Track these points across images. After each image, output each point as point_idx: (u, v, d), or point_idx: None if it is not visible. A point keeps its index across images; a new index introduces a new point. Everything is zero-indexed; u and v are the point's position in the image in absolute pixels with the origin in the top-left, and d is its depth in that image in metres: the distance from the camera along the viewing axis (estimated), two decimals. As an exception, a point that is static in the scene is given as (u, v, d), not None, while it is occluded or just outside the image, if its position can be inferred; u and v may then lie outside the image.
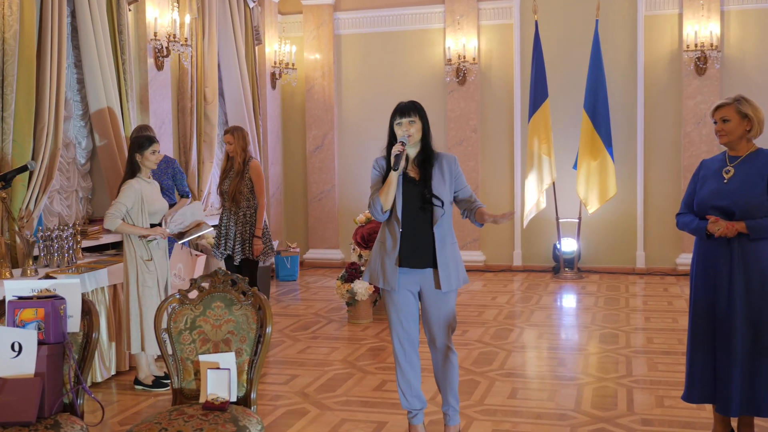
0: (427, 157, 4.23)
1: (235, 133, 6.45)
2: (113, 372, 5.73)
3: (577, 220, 10.03)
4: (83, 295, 3.31)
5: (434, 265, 4.17)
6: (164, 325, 3.37)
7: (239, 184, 6.37)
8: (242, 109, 9.71)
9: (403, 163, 4.09)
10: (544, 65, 9.79)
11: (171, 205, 6.41)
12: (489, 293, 8.95)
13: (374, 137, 10.98)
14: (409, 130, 4.14)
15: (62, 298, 3.22)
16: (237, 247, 6.35)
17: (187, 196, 6.71)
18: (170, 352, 3.37)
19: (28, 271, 5.15)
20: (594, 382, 5.44)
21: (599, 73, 9.63)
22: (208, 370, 3.27)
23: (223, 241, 6.48)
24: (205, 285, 3.42)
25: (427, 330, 4.29)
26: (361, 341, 6.72)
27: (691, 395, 4.18)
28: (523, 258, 10.62)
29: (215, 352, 3.36)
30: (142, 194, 5.23)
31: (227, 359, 3.32)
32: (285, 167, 11.28)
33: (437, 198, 4.15)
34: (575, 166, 9.81)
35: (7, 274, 5.07)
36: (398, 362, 4.28)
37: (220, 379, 3.27)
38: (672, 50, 10.00)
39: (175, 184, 6.53)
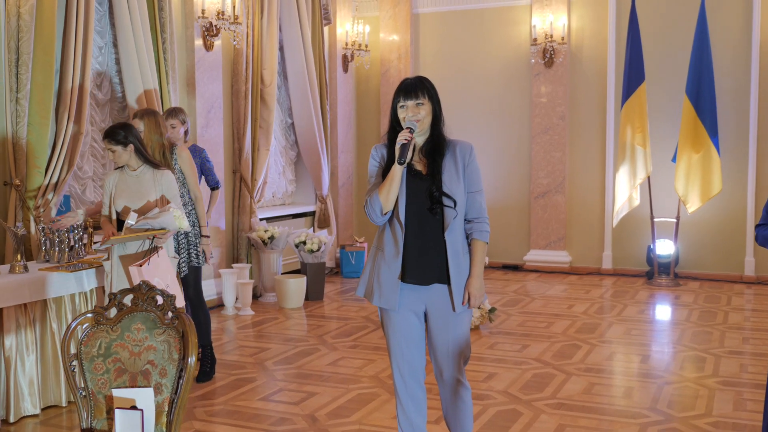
0: (437, 145, 3.40)
1: (146, 118, 5.06)
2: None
3: (675, 220, 8.87)
4: None
5: (443, 280, 3.36)
6: (73, 350, 2.72)
7: None
8: (306, 93, 9.08)
9: (410, 155, 3.29)
10: (641, 44, 8.67)
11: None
12: (566, 300, 7.98)
13: (453, 124, 10.05)
14: (416, 115, 3.33)
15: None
16: (183, 255, 5.21)
17: (217, 188, 6.11)
18: (80, 384, 2.71)
19: (16, 268, 4.66)
20: (663, 422, 4.49)
21: (705, 53, 8.44)
22: (117, 411, 2.60)
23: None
24: (127, 302, 2.75)
25: (433, 359, 3.49)
26: (404, 353, 5.96)
27: None
28: (614, 261, 9.54)
29: (132, 386, 2.69)
30: (113, 187, 4.67)
31: (145, 397, 2.65)
32: (358, 155, 10.58)
33: (449, 197, 3.33)
34: (674, 159, 8.66)
35: (-8, 270, 4.59)
36: (398, 396, 3.49)
37: (132, 423, 2.60)
38: (793, 26, 8.67)
39: (203, 174, 5.94)
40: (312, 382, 5.28)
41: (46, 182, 5.75)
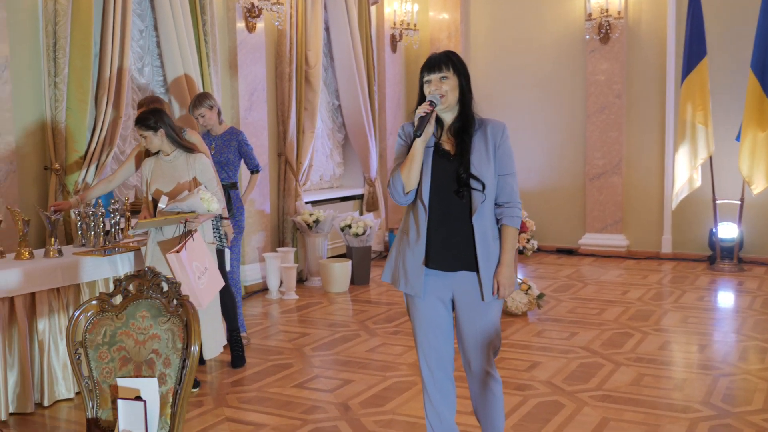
0: (465, 124, 3.20)
1: (151, 107, 4.80)
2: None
3: (739, 202, 8.44)
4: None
5: (470, 267, 3.17)
6: (79, 337, 2.62)
7: None
8: (353, 74, 8.92)
9: (431, 129, 3.09)
10: (702, 16, 8.24)
11: (231, 184, 5.72)
12: (621, 286, 7.66)
13: (505, 104, 9.87)
14: (440, 89, 3.13)
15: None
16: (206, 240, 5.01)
17: (258, 172, 6.00)
18: (85, 373, 2.62)
19: (50, 252, 4.63)
20: (716, 418, 4.21)
21: (771, 24, 7.97)
22: (119, 401, 2.50)
23: None
24: (132, 288, 2.64)
25: (461, 350, 3.30)
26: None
27: None
28: (674, 244, 9.15)
29: (137, 376, 2.58)
30: (149, 173, 4.63)
31: (149, 387, 2.54)
32: (408, 138, 10.37)
33: (477, 179, 3.12)
34: (738, 138, 8.22)
35: (26, 254, 4.56)
36: (425, 388, 3.32)
37: (135, 414, 2.49)
38: None
39: (242, 158, 5.83)
40: (349, 369, 5.14)
41: (85, 167, 5.72)
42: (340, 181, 9.66)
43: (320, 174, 9.21)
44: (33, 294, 4.37)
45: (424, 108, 3.06)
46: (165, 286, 2.60)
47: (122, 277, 2.65)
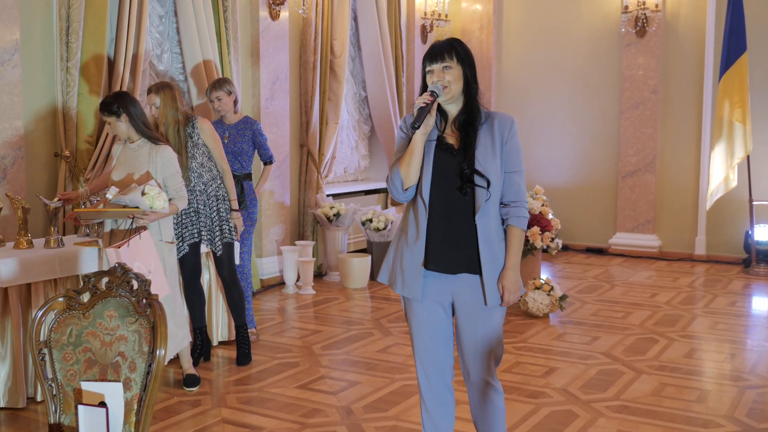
0: (470, 117, 2.99)
1: (161, 92, 4.73)
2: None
3: (778, 204, 8.09)
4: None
5: (473, 270, 2.96)
6: (42, 336, 2.48)
7: (188, 157, 4.79)
8: (380, 65, 8.72)
9: (431, 122, 2.89)
10: (743, 11, 7.89)
11: (245, 175, 5.56)
12: (650, 288, 7.37)
13: (537, 98, 9.60)
14: (443, 79, 2.92)
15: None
16: (216, 232, 4.88)
17: (271, 163, 5.83)
18: (49, 375, 2.47)
19: (51, 242, 4.52)
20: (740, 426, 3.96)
21: (817, 19, 7.61)
22: (80, 407, 2.35)
23: (188, 231, 4.85)
24: (101, 285, 2.49)
25: (461, 357, 3.10)
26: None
27: None
28: (708, 246, 8.81)
29: (102, 380, 2.43)
30: (116, 158, 4.44)
31: (114, 392, 2.38)
32: (436, 131, 10.15)
33: (481, 175, 2.91)
34: (778, 137, 7.88)
35: (24, 243, 4.46)
36: (422, 397, 3.12)
37: (96, 421, 2.34)
38: None
39: (255, 148, 5.67)
40: (357, 369, 4.97)
41: (96, 155, 5.61)
42: (365, 174, 9.48)
43: (344, 166, 9.03)
44: (29, 285, 4.25)
45: (424, 98, 2.86)
46: (135, 284, 2.44)
47: (91, 273, 2.49)
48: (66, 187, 5.51)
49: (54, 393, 2.46)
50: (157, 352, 2.32)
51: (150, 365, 2.34)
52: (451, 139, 3.00)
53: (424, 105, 2.84)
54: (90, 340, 2.45)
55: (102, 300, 2.47)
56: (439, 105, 2.94)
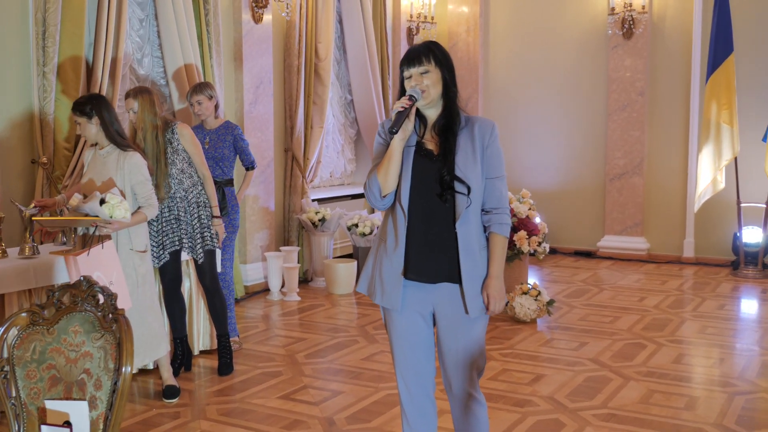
0: (450, 121, 2.91)
1: (140, 96, 4.65)
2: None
3: (765, 206, 8.04)
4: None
5: (453, 279, 2.88)
6: (5, 353, 2.38)
7: (167, 163, 4.68)
8: (366, 68, 8.64)
9: (410, 126, 2.80)
10: (729, 12, 7.85)
11: (226, 181, 5.47)
12: (638, 292, 7.31)
13: (524, 101, 9.54)
14: (421, 83, 2.84)
15: None
16: (197, 239, 4.77)
17: (253, 168, 5.74)
18: (12, 393, 2.37)
19: (26, 250, 4.41)
20: (728, 442, 3.89)
21: (803, 20, 7.57)
22: (44, 427, 2.26)
23: (169, 238, 4.74)
24: (66, 299, 2.39)
25: (442, 369, 3.02)
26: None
27: None
28: (696, 249, 8.77)
29: (67, 398, 2.33)
30: (86, 164, 4.35)
31: (79, 411, 2.29)
32: (423, 134, 10.08)
33: (461, 182, 2.83)
34: (765, 139, 7.82)
35: (-1, 253, 4.36)
36: (403, 410, 3.04)
37: (60, 442, 2.24)
38: None
39: (237, 153, 5.58)
40: (340, 378, 4.88)
41: (74, 161, 5.51)
42: (352, 178, 9.39)
43: (330, 170, 8.94)
44: (2, 296, 4.15)
45: (402, 103, 2.78)
46: (101, 298, 2.35)
47: (56, 287, 2.40)
48: (43, 194, 5.40)
49: (17, 412, 2.36)
50: (123, 369, 2.23)
51: (116, 383, 2.25)
52: (430, 144, 2.92)
53: (402, 110, 2.76)
54: (54, 356, 2.36)
55: (67, 315, 2.38)
56: (418, 110, 2.87)
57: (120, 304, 3.81)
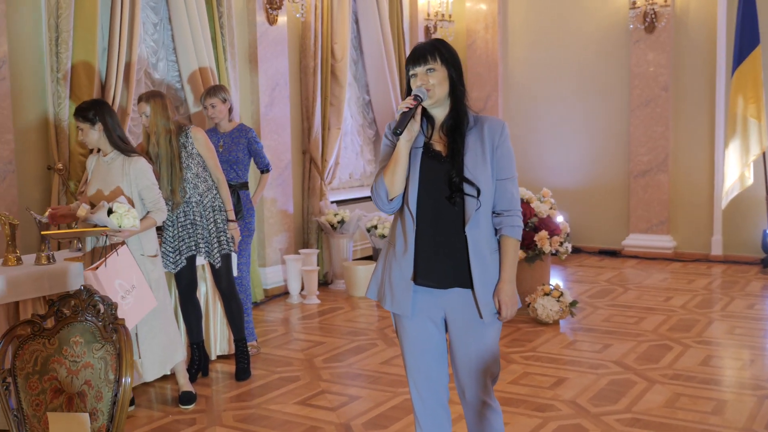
0: (457, 121, 2.81)
1: (152, 101, 4.59)
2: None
3: (795, 201, 7.86)
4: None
5: (464, 284, 2.79)
6: (7, 364, 2.33)
7: (182, 168, 4.64)
8: (383, 68, 8.57)
9: (416, 127, 2.72)
10: (755, 2, 7.68)
11: (241, 184, 5.41)
12: (665, 291, 7.16)
13: (545, 98, 9.41)
14: (427, 83, 2.75)
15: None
16: (214, 244, 4.71)
17: (268, 171, 5.68)
18: (14, 405, 2.32)
19: (42, 258, 4.38)
20: (758, 447, 3.76)
21: (831, 10, 7.38)
22: (45, 441, 2.20)
23: (185, 244, 4.70)
24: (66, 309, 2.34)
25: (455, 376, 2.93)
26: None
27: None
28: (724, 246, 8.58)
29: (69, 410, 2.28)
30: (90, 171, 4.32)
31: (80, 424, 2.23)
32: (443, 134, 9.98)
33: (471, 183, 2.74)
34: (794, 132, 7.64)
35: (13, 260, 4.33)
36: (416, 417, 2.95)
37: (61, 455, 2.19)
38: None
39: (252, 157, 5.52)
40: (358, 383, 4.80)
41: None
42: (371, 179, 9.31)
43: (350, 172, 8.87)
44: (17, 303, 4.12)
45: (407, 103, 2.69)
46: (101, 308, 2.29)
47: (56, 297, 2.34)
48: (59, 200, 5.39)
49: (19, 424, 2.31)
50: (123, 380, 2.18)
51: (116, 394, 2.19)
52: (438, 145, 2.83)
53: (406, 110, 2.68)
54: (56, 367, 2.31)
55: (68, 325, 2.33)
56: (425, 110, 2.78)
57: (147, 305, 3.82)
